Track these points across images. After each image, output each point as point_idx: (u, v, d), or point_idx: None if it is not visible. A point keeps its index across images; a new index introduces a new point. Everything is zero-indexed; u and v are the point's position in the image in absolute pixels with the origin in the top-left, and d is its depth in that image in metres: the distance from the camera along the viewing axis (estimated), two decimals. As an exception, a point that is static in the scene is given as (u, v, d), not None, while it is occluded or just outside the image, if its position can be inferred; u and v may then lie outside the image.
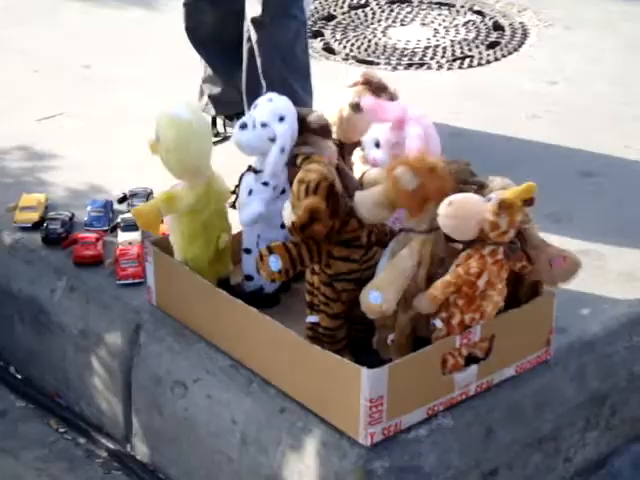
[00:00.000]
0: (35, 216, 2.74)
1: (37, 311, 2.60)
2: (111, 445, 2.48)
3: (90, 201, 2.79)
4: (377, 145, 2.24)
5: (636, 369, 2.42)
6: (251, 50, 2.95)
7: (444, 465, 2.08)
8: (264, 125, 2.21)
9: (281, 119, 2.20)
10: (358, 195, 2.08)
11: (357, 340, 2.16)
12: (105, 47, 3.80)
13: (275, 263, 2.06)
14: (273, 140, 2.20)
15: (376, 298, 1.99)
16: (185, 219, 2.29)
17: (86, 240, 2.61)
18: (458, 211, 1.98)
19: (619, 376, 2.39)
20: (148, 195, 2.77)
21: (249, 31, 2.93)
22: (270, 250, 2.06)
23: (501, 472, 2.19)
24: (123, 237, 2.58)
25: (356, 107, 2.32)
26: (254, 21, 2.89)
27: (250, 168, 2.28)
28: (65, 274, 2.58)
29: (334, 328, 2.13)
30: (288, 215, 2.07)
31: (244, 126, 2.24)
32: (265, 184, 2.24)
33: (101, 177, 2.96)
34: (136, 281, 2.48)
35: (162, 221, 2.33)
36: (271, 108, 2.23)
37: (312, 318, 2.15)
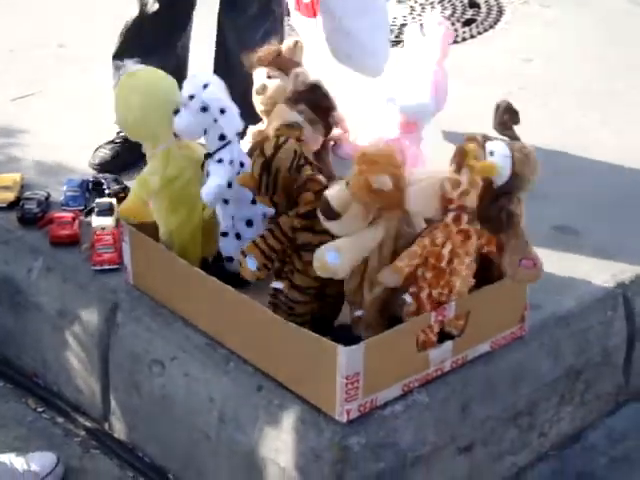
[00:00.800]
0: (11, 196, 2.74)
1: (14, 291, 2.60)
2: (89, 424, 2.49)
3: (66, 180, 2.79)
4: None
5: (610, 344, 2.45)
6: (221, 49, 2.93)
7: (420, 441, 2.10)
8: (192, 97, 2.20)
9: (205, 86, 2.20)
10: (332, 225, 2.03)
11: (326, 318, 2.17)
12: (80, 26, 3.78)
13: (252, 263, 2.09)
14: (205, 109, 2.19)
15: (333, 257, 1.98)
16: (161, 192, 2.29)
17: (62, 220, 2.60)
18: (416, 177, 1.99)
19: (593, 351, 2.41)
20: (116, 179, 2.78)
21: (221, 32, 2.91)
22: (244, 254, 2.10)
23: (477, 447, 2.21)
24: (97, 222, 2.57)
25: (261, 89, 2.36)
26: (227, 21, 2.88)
27: (205, 156, 2.27)
28: (41, 254, 2.57)
29: (294, 300, 2.13)
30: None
31: (177, 111, 2.22)
32: (219, 161, 2.23)
33: (77, 157, 2.95)
34: (111, 267, 2.47)
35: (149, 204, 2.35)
36: (193, 82, 2.23)
37: (276, 284, 2.16)
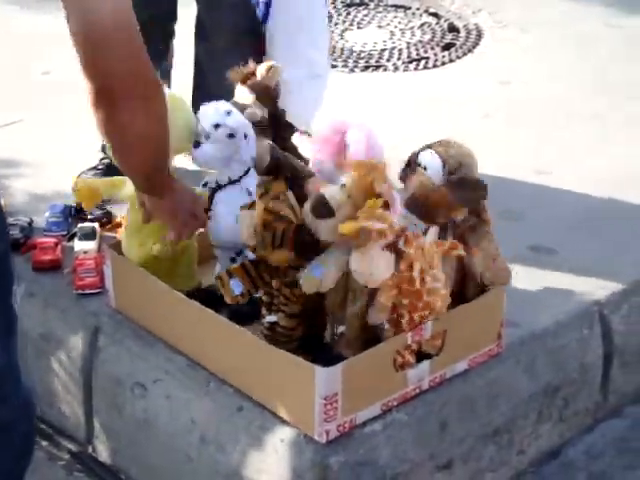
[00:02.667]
0: (-6, 222, 2.76)
1: (-3, 316, 2.62)
2: (73, 447, 2.51)
3: (49, 206, 2.81)
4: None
5: (587, 361, 2.48)
6: (199, 74, 2.95)
7: (399, 458, 2.12)
8: (217, 126, 2.19)
9: (228, 113, 2.20)
10: (322, 224, 2.01)
11: (310, 336, 2.19)
12: (64, 54, 3.80)
13: (237, 287, 2.10)
14: (233, 135, 2.19)
15: (318, 271, 2.00)
16: (130, 212, 2.34)
17: (45, 245, 2.63)
18: (365, 269, 1.97)
19: (570, 368, 2.44)
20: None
21: (198, 56, 2.94)
22: (230, 274, 2.11)
23: (456, 465, 2.24)
24: (80, 246, 2.60)
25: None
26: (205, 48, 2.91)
27: (218, 186, 2.27)
28: (24, 279, 2.59)
29: (292, 327, 2.16)
30: (248, 234, 2.09)
31: (197, 144, 2.20)
32: (249, 193, 2.22)
33: (60, 183, 2.97)
34: (93, 291, 2.49)
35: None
36: (212, 111, 2.21)
37: (271, 317, 2.18)
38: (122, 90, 1.81)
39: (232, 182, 2.26)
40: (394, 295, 2.03)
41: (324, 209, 1.97)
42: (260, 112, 2.34)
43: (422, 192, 2.13)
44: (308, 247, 2.04)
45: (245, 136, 2.22)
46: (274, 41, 2.90)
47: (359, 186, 1.97)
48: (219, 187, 2.28)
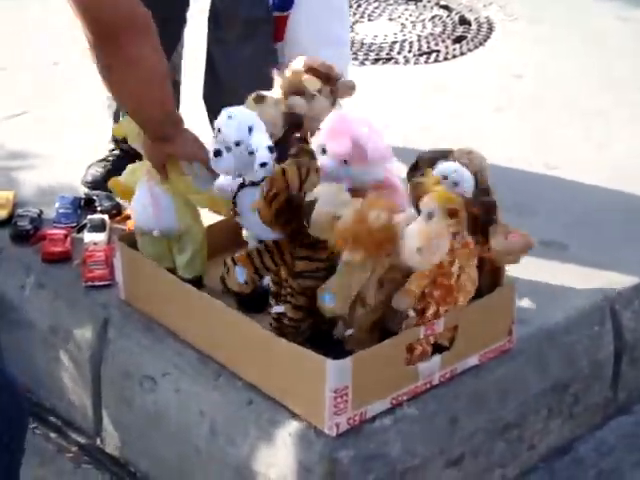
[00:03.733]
0: (3, 213, 2.76)
1: (6, 308, 2.62)
2: (81, 439, 2.51)
3: (58, 198, 2.81)
4: (323, 151, 2.17)
5: (598, 358, 2.47)
6: (211, 66, 2.94)
7: (409, 453, 2.11)
8: (238, 144, 2.15)
9: (250, 130, 2.16)
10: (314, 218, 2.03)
11: (322, 332, 2.19)
12: (74, 44, 3.81)
13: (241, 275, 2.10)
14: (253, 153, 2.14)
15: (329, 300, 2.02)
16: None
17: (54, 237, 2.62)
18: (428, 243, 1.97)
19: (581, 365, 2.43)
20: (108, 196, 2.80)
21: (211, 46, 2.93)
22: (234, 261, 2.10)
23: (466, 460, 2.23)
24: (89, 238, 2.59)
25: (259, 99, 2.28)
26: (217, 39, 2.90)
27: (243, 185, 2.23)
28: (33, 271, 2.59)
29: (299, 319, 2.15)
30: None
31: (219, 153, 2.17)
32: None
33: (69, 174, 2.98)
34: (103, 283, 2.49)
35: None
36: (236, 124, 2.16)
37: (278, 308, 2.17)
38: (124, 26, 1.89)
39: (254, 184, 2.22)
40: (425, 285, 2.02)
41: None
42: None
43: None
44: (293, 211, 2.04)
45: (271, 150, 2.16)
46: (300, 25, 2.88)
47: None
48: (243, 185, 2.24)
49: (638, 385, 2.59)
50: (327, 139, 2.16)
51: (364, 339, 2.07)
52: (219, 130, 2.17)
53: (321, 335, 2.16)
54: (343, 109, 2.34)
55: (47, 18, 4.00)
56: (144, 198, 2.32)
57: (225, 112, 2.19)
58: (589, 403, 2.47)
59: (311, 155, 2.12)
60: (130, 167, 2.40)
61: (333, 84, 2.39)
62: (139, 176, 2.34)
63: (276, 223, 2.07)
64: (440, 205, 1.99)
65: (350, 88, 2.41)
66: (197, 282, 2.33)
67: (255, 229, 2.24)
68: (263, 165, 2.11)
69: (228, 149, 2.16)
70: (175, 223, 2.32)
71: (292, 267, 2.12)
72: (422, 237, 1.96)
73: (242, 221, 2.28)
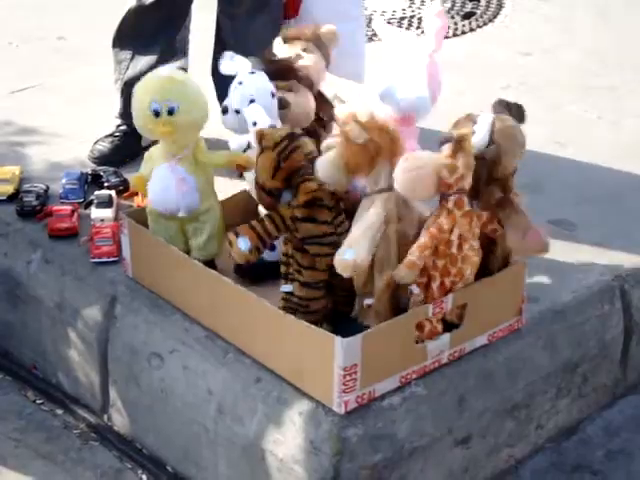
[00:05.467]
0: (10, 188, 2.74)
1: (13, 284, 2.61)
2: (88, 416, 2.50)
3: (65, 173, 2.79)
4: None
5: (607, 337, 2.46)
6: (221, 41, 2.92)
7: (417, 432, 2.11)
8: (237, 112, 2.31)
9: (251, 101, 2.28)
10: (317, 160, 2.09)
11: (339, 312, 2.18)
12: (80, 19, 3.79)
13: (244, 244, 2.10)
14: (255, 124, 2.25)
15: (349, 253, 1.99)
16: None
17: (61, 212, 2.61)
18: (414, 163, 1.99)
19: (590, 344, 2.42)
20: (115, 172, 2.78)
21: (220, 21, 2.92)
22: (237, 233, 2.10)
23: (474, 439, 2.22)
24: (96, 214, 2.58)
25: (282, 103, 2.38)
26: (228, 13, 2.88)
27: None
28: (40, 247, 2.58)
29: (308, 298, 2.14)
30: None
31: (225, 110, 2.34)
32: None
33: (75, 149, 2.96)
34: (110, 259, 2.48)
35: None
36: (241, 93, 2.32)
37: (286, 287, 2.17)
38: None
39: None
40: (426, 255, 2.01)
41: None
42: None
43: None
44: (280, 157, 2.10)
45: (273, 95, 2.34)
46: (314, 1, 2.87)
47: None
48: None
49: (647, 365, 2.59)
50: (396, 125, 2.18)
51: (384, 309, 2.06)
52: (231, 90, 2.35)
53: (336, 314, 2.15)
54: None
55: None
56: (166, 179, 2.29)
57: (241, 76, 2.33)
58: (598, 383, 2.47)
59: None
60: (146, 155, 2.37)
61: (317, 38, 2.54)
62: (157, 161, 2.32)
63: (277, 173, 2.10)
64: (458, 141, 2.01)
65: (332, 34, 2.57)
66: (210, 263, 2.31)
67: None
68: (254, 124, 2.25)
69: (231, 112, 2.33)
70: (197, 202, 2.30)
71: (295, 234, 2.11)
72: (411, 156, 2.02)
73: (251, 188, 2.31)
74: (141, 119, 2.25)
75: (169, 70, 2.31)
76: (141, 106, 2.23)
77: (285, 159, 2.09)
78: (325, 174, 2.06)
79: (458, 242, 2.04)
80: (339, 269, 2.01)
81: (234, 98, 2.33)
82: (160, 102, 2.20)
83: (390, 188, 2.05)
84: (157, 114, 2.20)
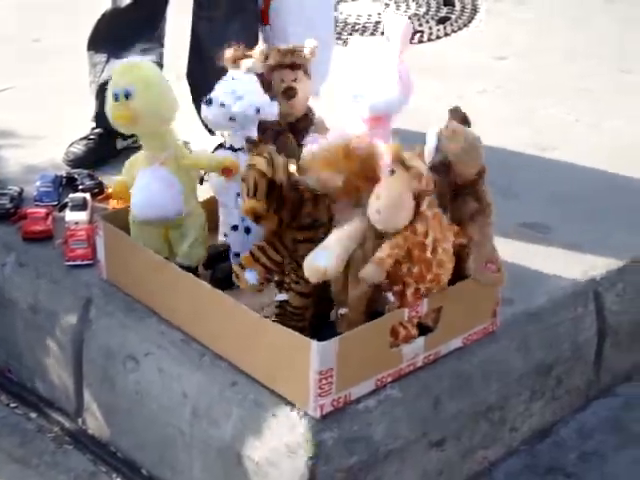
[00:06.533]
0: (-17, 191, 2.73)
1: (-13, 287, 2.60)
2: (63, 419, 2.49)
3: (39, 176, 2.78)
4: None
5: (581, 340, 2.48)
6: (197, 44, 2.92)
7: (392, 435, 2.11)
8: (222, 105, 2.24)
9: (239, 98, 2.23)
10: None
11: (320, 315, 2.18)
12: (55, 21, 3.78)
13: (252, 277, 2.12)
14: (232, 119, 2.23)
15: (321, 259, 1.99)
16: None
17: (35, 215, 2.60)
18: (388, 198, 1.98)
19: (564, 347, 2.44)
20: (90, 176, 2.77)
21: (196, 24, 2.91)
22: (242, 266, 2.12)
23: (448, 441, 2.23)
24: (71, 216, 2.57)
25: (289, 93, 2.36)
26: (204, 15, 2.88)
27: (222, 146, 2.31)
28: (14, 249, 2.57)
29: (302, 307, 2.15)
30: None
31: (209, 102, 2.26)
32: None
33: (50, 152, 2.95)
34: (84, 262, 2.47)
35: None
36: (231, 88, 2.26)
37: (281, 296, 2.17)
38: None
39: (231, 148, 2.29)
40: (398, 257, 2.01)
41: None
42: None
43: None
44: (280, 194, 2.06)
45: (258, 110, 2.26)
46: (281, 12, 2.87)
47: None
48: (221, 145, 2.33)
49: (621, 368, 2.60)
50: (369, 127, 2.19)
51: (357, 319, 2.06)
52: (219, 83, 2.27)
53: (318, 317, 2.16)
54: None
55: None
56: (150, 184, 2.27)
57: (236, 72, 2.29)
58: (571, 385, 2.48)
59: (264, 143, 2.16)
60: (127, 162, 2.36)
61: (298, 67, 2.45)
62: (139, 166, 2.30)
63: (270, 211, 2.06)
64: (396, 158, 1.98)
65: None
66: (193, 270, 2.30)
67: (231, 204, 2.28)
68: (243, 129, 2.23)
69: (216, 104, 2.24)
70: (183, 206, 2.29)
71: (294, 252, 2.11)
72: (383, 194, 1.97)
73: (219, 197, 2.30)
74: (108, 108, 2.26)
75: (132, 58, 2.31)
76: (108, 96, 2.24)
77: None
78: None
79: (433, 246, 2.04)
80: (308, 273, 2.01)
81: (221, 91, 2.27)
82: (118, 86, 2.20)
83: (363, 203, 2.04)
84: (116, 98, 2.20)
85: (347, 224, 2.04)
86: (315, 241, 2.07)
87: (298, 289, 2.12)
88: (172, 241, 2.34)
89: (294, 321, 2.12)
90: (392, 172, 1.99)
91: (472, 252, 2.12)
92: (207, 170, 2.34)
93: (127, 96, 2.19)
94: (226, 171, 2.28)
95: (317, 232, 2.10)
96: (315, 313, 2.17)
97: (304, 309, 2.14)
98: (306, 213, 2.11)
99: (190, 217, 2.31)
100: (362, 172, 2.01)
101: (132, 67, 2.25)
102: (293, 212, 2.09)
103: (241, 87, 2.27)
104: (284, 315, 2.15)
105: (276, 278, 2.18)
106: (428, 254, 2.04)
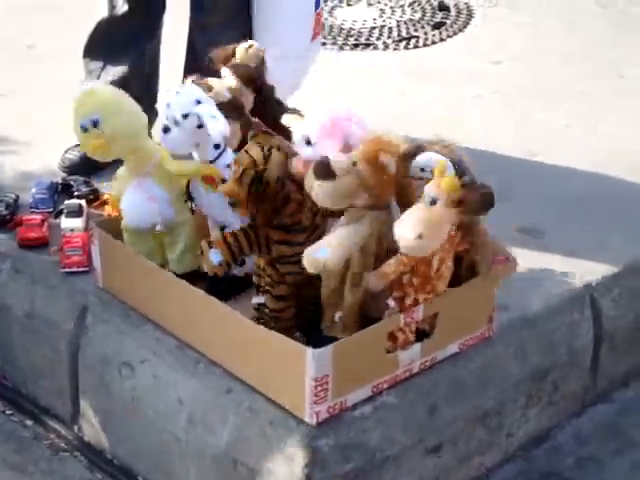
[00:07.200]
0: (-21, 198, 2.73)
1: (-18, 294, 2.59)
2: (58, 427, 2.48)
3: (35, 182, 2.78)
4: (308, 142, 2.10)
5: (577, 345, 2.47)
6: (193, 51, 2.91)
7: (389, 441, 2.11)
8: (186, 116, 2.15)
9: (198, 102, 2.16)
10: (321, 186, 2.00)
11: (308, 320, 2.17)
12: (49, 27, 3.77)
13: (215, 257, 2.09)
14: (201, 126, 2.15)
15: (322, 252, 1.98)
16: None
17: (31, 222, 2.60)
18: (428, 230, 1.95)
19: (560, 352, 2.43)
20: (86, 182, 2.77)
21: (192, 33, 2.91)
22: (210, 244, 2.10)
23: (445, 448, 2.23)
24: (66, 224, 2.56)
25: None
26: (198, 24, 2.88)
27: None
28: (10, 256, 2.56)
29: (279, 309, 2.14)
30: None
31: (167, 129, 2.16)
32: (228, 166, 2.21)
33: (46, 159, 2.94)
34: (80, 269, 2.47)
35: None
36: (184, 98, 2.16)
37: (258, 299, 2.17)
38: None
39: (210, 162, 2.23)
40: (402, 270, 2.01)
41: (325, 170, 1.96)
42: (228, 94, 2.29)
43: None
44: (265, 189, 2.04)
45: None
46: (257, 21, 2.87)
47: (365, 155, 1.96)
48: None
49: (617, 373, 2.60)
50: (319, 137, 2.10)
51: (351, 323, 2.06)
52: (167, 105, 2.16)
53: (306, 323, 2.15)
54: (329, 103, 2.31)
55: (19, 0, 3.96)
56: (135, 199, 2.27)
57: (172, 88, 2.20)
58: (568, 391, 2.48)
59: (270, 135, 2.12)
60: (118, 173, 2.36)
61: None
62: (126, 179, 2.30)
63: (249, 202, 2.05)
64: (446, 192, 1.95)
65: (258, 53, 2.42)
66: (188, 276, 2.28)
67: (212, 210, 2.24)
68: (217, 147, 2.15)
69: (176, 123, 2.15)
70: (172, 215, 2.28)
71: (268, 252, 2.10)
72: (424, 223, 1.94)
73: (199, 202, 2.27)
74: (79, 141, 2.26)
75: (90, 85, 2.30)
76: (74, 128, 2.23)
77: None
78: (334, 203, 2.02)
79: (438, 265, 2.05)
80: (307, 264, 1.99)
81: (176, 106, 2.16)
82: (84, 117, 2.20)
83: (380, 208, 2.04)
84: (85, 129, 2.20)
85: (353, 225, 2.03)
86: (291, 245, 2.07)
87: (274, 292, 2.12)
88: (164, 248, 2.33)
89: (273, 323, 2.11)
90: (433, 202, 1.96)
91: (479, 256, 2.11)
92: (192, 176, 2.32)
93: (95, 124, 2.19)
94: (208, 179, 2.25)
95: (295, 236, 2.09)
96: (301, 318, 2.16)
97: (280, 311, 2.14)
98: (288, 213, 2.09)
99: (179, 224, 2.31)
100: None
101: (92, 94, 2.23)
102: (275, 209, 2.07)
103: (192, 93, 2.18)
104: (262, 318, 2.15)
105: (254, 279, 2.17)
106: (432, 272, 2.05)
